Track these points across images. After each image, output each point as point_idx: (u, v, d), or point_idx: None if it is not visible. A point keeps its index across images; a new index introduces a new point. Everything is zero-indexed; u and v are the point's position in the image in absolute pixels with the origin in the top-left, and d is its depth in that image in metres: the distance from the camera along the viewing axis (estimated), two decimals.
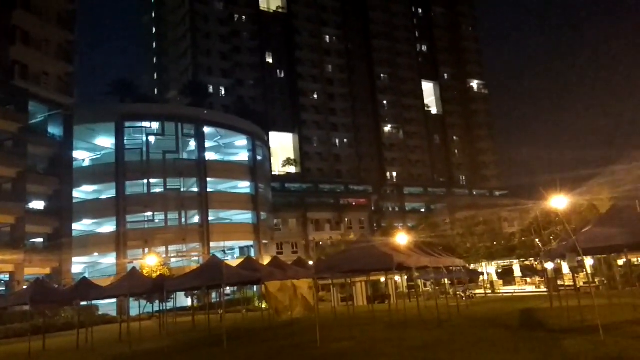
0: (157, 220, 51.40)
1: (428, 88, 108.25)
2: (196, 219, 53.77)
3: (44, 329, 22.38)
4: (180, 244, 50.64)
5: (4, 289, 36.77)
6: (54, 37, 42.63)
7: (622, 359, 8.92)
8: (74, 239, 42.73)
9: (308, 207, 75.74)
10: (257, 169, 60.67)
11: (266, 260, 38.95)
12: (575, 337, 11.87)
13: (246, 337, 18.14)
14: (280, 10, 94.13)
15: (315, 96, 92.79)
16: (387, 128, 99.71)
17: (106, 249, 50.43)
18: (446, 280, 28.58)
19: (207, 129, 56.42)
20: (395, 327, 16.70)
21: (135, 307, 26.65)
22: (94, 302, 29.02)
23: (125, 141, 51.83)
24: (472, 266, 42.43)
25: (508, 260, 45.41)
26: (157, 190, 51.95)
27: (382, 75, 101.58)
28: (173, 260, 48.44)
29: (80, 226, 50.37)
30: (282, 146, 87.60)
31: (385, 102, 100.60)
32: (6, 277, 36.95)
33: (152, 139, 53.12)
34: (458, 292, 29.64)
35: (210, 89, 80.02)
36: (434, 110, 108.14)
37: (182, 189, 52.80)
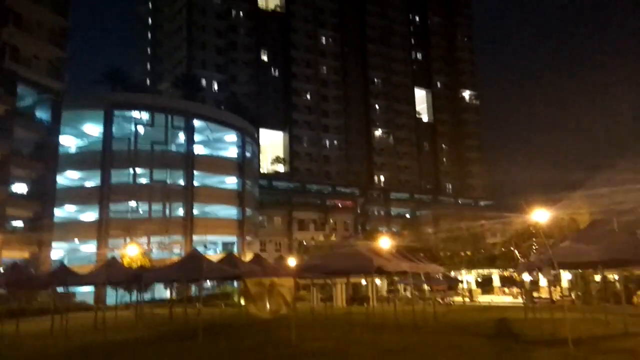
0: (141, 211, 51.06)
1: (420, 95, 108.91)
2: (180, 212, 53.52)
3: (18, 312, 22.15)
4: (163, 236, 50.34)
5: None
6: (47, 21, 42.22)
7: None
8: (55, 224, 42.34)
9: (294, 206, 75.81)
10: (245, 165, 60.56)
11: (249, 257, 38.92)
12: (544, 348, 12.08)
13: (222, 333, 18.14)
14: (278, 9, 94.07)
15: (308, 96, 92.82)
16: (378, 132, 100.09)
17: (87, 236, 50.01)
18: (425, 286, 28.85)
19: (197, 123, 56.21)
20: (371, 330, 16.82)
21: (113, 296, 26.48)
22: (71, 288, 28.79)
23: (113, 130, 51.43)
24: (452, 274, 42.78)
25: (488, 270, 45.87)
26: (143, 180, 51.64)
27: (375, 79, 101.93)
28: (154, 251, 48.11)
29: (62, 212, 49.88)
30: (272, 144, 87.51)
31: (377, 106, 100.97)
32: None
33: (141, 129, 52.78)
34: (437, 299, 29.93)
35: (203, 83, 79.69)
36: (425, 117, 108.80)
37: (168, 181, 52.53)
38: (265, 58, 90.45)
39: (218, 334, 17.59)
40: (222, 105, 73.48)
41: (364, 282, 39.12)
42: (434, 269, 23.69)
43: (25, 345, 16.11)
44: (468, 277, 47.42)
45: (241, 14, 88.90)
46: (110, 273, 19.30)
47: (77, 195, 50.81)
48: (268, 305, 23.97)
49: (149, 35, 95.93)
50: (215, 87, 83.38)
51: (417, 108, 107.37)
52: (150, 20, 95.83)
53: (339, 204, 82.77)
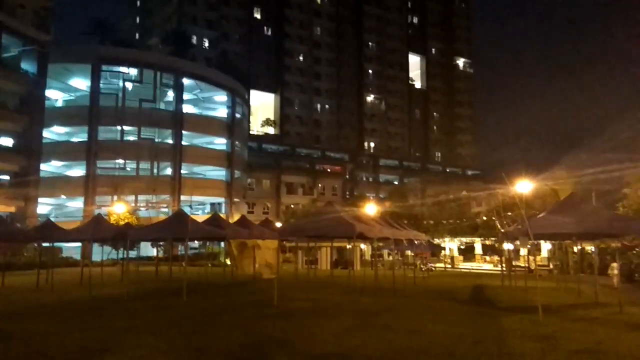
0: (128, 169, 50.87)
1: (414, 61, 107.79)
2: (168, 171, 53.40)
3: (4, 266, 22.34)
4: (150, 194, 50.38)
5: None
6: None
7: (554, 338, 9.42)
8: (41, 179, 42.09)
9: (283, 169, 75.88)
10: (235, 126, 60.17)
11: (236, 219, 39.21)
12: (515, 315, 12.55)
13: (206, 291, 18.52)
14: None
15: (301, 58, 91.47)
16: (370, 98, 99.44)
17: (74, 192, 49.93)
18: (409, 252, 29.45)
19: (186, 81, 55.40)
20: (351, 293, 17.29)
21: (100, 253, 26.72)
22: (57, 244, 28.96)
23: (101, 85, 50.65)
24: (435, 241, 43.59)
25: (471, 238, 46.79)
26: (131, 138, 51.15)
27: (370, 43, 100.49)
28: (142, 209, 48.23)
29: (49, 167, 49.58)
30: (263, 106, 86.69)
31: (370, 71, 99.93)
32: None
33: (129, 85, 51.92)
34: (418, 264, 30.65)
35: (194, 40, 78.05)
36: (417, 84, 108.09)
37: (156, 139, 52.16)
38: (258, 16, 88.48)
39: (202, 292, 17.96)
40: (212, 64, 72.24)
41: (349, 246, 39.76)
42: (417, 236, 24.16)
43: (10, 298, 16.34)
44: (451, 245, 48.37)
45: None
46: (97, 230, 19.40)
47: (64, 150, 50.40)
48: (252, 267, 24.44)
49: None
50: (206, 44, 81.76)
51: (411, 74, 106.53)
52: None
53: (328, 169, 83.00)
